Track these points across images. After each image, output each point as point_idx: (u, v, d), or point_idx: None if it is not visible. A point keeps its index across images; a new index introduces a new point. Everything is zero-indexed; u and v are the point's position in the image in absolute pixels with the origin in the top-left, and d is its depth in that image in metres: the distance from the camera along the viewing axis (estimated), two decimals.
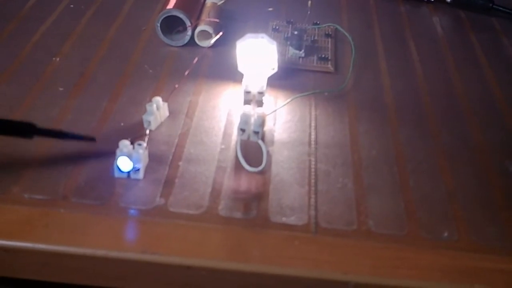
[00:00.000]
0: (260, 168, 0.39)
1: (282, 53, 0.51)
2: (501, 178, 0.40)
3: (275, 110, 0.45)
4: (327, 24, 0.55)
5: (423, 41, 0.56)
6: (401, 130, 0.44)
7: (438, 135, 0.44)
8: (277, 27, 0.55)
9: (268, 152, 0.41)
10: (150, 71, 0.48)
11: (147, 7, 0.57)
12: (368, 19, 0.59)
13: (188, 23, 0.50)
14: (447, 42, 0.56)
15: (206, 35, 0.51)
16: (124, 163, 0.36)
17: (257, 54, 0.46)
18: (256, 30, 0.51)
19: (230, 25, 0.55)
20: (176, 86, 0.44)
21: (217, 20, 0.51)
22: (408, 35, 0.56)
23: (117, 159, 0.36)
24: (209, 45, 0.51)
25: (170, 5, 0.51)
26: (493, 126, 0.45)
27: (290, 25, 0.55)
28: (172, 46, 0.52)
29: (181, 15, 0.50)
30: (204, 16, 0.52)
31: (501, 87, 0.50)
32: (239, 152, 0.40)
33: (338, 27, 0.55)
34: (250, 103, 0.45)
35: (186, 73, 0.45)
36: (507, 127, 0.45)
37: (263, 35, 0.46)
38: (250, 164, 0.39)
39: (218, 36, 0.50)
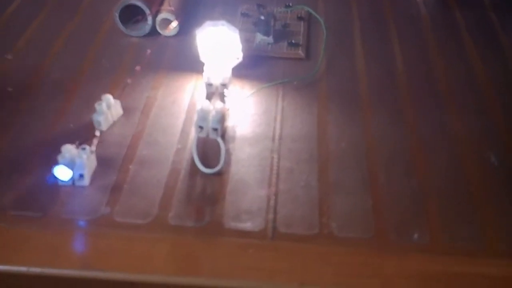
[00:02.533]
0: (216, 169, 0.36)
1: (250, 40, 0.48)
2: (482, 169, 0.37)
3: (238, 104, 0.42)
4: (299, 6, 0.52)
5: (403, 20, 0.52)
6: (374, 119, 0.41)
7: (414, 123, 0.41)
8: (246, 12, 0.51)
9: (227, 150, 0.38)
10: (107, 65, 0.45)
11: None
12: None
13: (147, 11, 0.47)
14: (430, 21, 0.52)
15: (169, 23, 0.48)
16: (62, 172, 0.33)
17: (219, 43, 0.43)
18: (224, 15, 0.48)
19: (196, 10, 0.51)
20: (129, 81, 0.41)
21: (172, 8, 0.48)
22: (388, 14, 0.53)
23: (55, 167, 0.34)
24: (172, 34, 0.48)
25: None
26: (474, 111, 0.42)
27: (261, 9, 0.52)
28: (133, 36, 0.49)
29: (139, 3, 0.47)
30: (166, 4, 0.49)
31: (485, 68, 0.46)
32: (195, 151, 0.37)
33: (309, 9, 0.51)
34: (213, 96, 0.42)
35: (138, 68, 0.42)
36: (490, 112, 0.42)
37: (224, 22, 0.42)
38: (208, 165, 0.36)
39: (175, 25, 0.47)
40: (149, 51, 0.43)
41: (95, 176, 0.35)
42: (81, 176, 0.34)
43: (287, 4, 0.52)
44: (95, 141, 0.37)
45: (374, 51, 0.48)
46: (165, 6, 0.48)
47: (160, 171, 0.36)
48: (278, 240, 0.32)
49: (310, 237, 0.32)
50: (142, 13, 0.47)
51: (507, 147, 0.38)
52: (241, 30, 0.48)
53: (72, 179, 0.34)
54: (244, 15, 0.51)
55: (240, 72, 0.44)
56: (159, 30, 0.48)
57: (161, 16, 0.48)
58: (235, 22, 0.49)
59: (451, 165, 0.37)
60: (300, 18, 0.51)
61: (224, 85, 0.42)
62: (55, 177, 0.34)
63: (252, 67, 0.45)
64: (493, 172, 0.37)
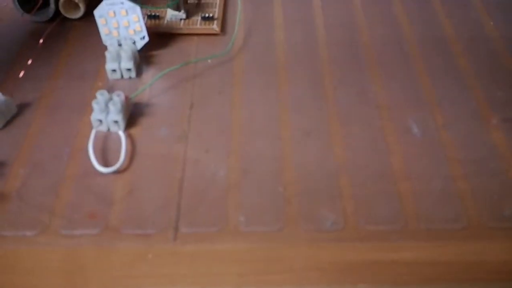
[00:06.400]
0: (114, 167, 0.33)
1: (162, 17, 0.44)
2: (402, 140, 0.35)
3: (145, 89, 0.38)
4: None
5: None
6: (290, 93, 0.38)
7: (333, 94, 0.38)
8: None
9: (131, 144, 0.35)
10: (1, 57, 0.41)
11: None
12: None
13: None
14: None
15: (73, 5, 0.44)
16: None
17: (120, 22, 0.39)
18: None
19: None
20: (21, 75, 0.38)
21: None
22: None
23: None
24: (77, 16, 0.44)
25: None
26: (400, 78, 0.39)
27: None
28: (38, 22, 0.44)
29: None
30: None
31: (413, 26, 0.44)
32: (91, 149, 0.34)
33: None
34: (118, 83, 0.39)
35: (29, 62, 0.38)
36: (414, 75, 0.39)
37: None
38: (110, 162, 0.34)
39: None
40: (41, 40, 0.40)
41: None
42: None
43: None
44: None
45: (293, 15, 0.45)
46: None
47: (54, 174, 0.33)
48: (180, 242, 0.30)
49: (214, 235, 0.30)
50: None
51: (430, 116, 0.36)
52: (153, 5, 0.45)
53: None
54: None
55: (148, 53, 0.41)
56: (63, 13, 0.44)
57: None
58: None
59: (370, 137, 0.35)
60: None
61: (129, 70, 0.39)
62: None
63: (162, 47, 0.42)
64: (415, 143, 0.34)
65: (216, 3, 0.46)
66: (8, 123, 0.36)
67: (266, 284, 0.28)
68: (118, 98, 0.35)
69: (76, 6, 0.44)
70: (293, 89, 0.38)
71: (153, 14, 0.44)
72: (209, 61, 0.41)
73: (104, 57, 0.39)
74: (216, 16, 0.44)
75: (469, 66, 0.40)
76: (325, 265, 0.29)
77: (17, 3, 0.44)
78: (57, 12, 0.44)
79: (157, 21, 0.44)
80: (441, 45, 0.41)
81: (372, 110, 0.37)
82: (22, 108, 0.37)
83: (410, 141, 0.35)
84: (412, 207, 0.31)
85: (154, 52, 0.41)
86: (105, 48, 0.40)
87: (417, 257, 0.29)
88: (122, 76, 0.39)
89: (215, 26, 0.43)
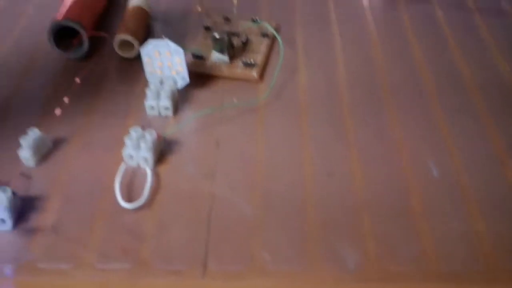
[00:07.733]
0: (138, 203, 0.34)
1: (207, 57, 0.45)
2: (422, 181, 0.36)
3: (177, 129, 0.40)
4: (265, 22, 0.48)
5: (347, 21, 0.51)
6: (312, 134, 0.39)
7: (353, 134, 0.39)
8: (209, 26, 0.49)
9: (159, 181, 0.36)
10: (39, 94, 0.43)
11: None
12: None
13: (83, 34, 0.45)
14: (374, 21, 0.51)
15: (128, 44, 0.46)
16: None
17: (164, 62, 0.41)
18: (187, 31, 0.48)
19: (158, 27, 0.50)
20: (57, 113, 0.39)
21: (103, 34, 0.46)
22: (333, 16, 0.51)
23: None
24: (130, 55, 0.46)
25: (60, 14, 0.46)
26: (417, 115, 0.41)
27: (228, 23, 0.50)
28: (76, 59, 0.46)
29: (72, 24, 0.45)
30: (123, 23, 0.47)
31: (430, 67, 0.45)
32: (117, 184, 0.35)
33: (268, 25, 0.48)
34: (154, 120, 0.41)
35: (66, 100, 0.40)
36: (433, 116, 0.41)
37: (168, 41, 0.41)
38: (138, 198, 0.35)
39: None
40: (78, 80, 0.42)
41: (19, 217, 0.34)
42: (3, 221, 0.33)
43: (254, 18, 0.49)
44: (20, 179, 0.36)
45: (315, 57, 0.47)
46: (123, 24, 0.46)
47: (87, 208, 0.34)
48: (209, 279, 0.31)
49: (242, 272, 0.31)
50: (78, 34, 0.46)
51: (448, 156, 0.37)
52: (202, 46, 0.46)
53: None
54: (207, 28, 0.49)
55: (187, 92, 0.43)
56: (117, 51, 0.46)
57: (120, 37, 0.45)
58: (198, 36, 0.48)
59: (390, 177, 0.36)
60: (264, 35, 0.48)
61: (167, 108, 0.41)
62: None
63: (201, 87, 0.44)
64: (433, 183, 0.36)
65: (260, 50, 0.46)
66: (43, 158, 0.38)
67: None
68: (150, 136, 0.37)
69: (131, 46, 0.46)
70: (314, 130, 0.40)
71: (197, 54, 0.45)
72: (234, 100, 0.42)
73: (136, 94, 0.41)
74: (258, 63, 0.45)
75: (485, 106, 0.41)
76: None
77: (53, 42, 0.46)
78: (90, 50, 0.46)
79: (201, 61, 0.45)
80: (458, 85, 0.43)
81: (392, 150, 0.38)
82: (57, 143, 0.39)
83: (429, 180, 0.36)
84: (432, 247, 0.32)
85: (193, 91, 0.43)
86: (141, 85, 0.42)
87: None
88: (159, 114, 0.41)
89: (254, 74, 0.44)
